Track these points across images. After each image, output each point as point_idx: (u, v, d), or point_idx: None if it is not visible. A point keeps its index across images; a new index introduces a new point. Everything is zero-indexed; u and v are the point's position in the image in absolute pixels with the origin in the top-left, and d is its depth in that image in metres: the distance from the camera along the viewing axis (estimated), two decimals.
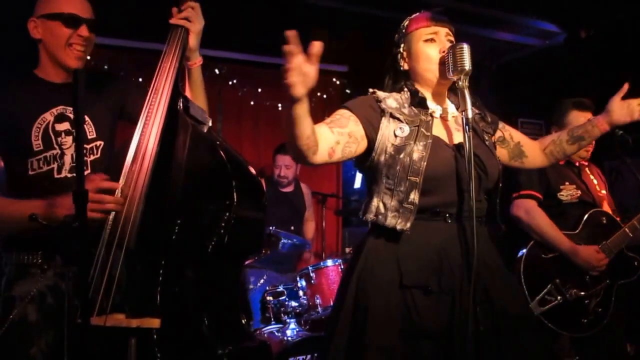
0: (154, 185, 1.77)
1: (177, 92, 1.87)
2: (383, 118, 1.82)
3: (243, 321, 1.90)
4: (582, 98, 3.06)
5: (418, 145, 1.77)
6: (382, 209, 1.79)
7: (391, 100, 1.86)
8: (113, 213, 1.76)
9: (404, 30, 1.93)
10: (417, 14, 1.93)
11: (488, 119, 1.99)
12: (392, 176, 1.79)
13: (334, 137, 1.75)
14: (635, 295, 3.02)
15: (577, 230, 2.86)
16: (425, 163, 1.75)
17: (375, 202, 1.81)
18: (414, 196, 1.75)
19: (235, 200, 1.70)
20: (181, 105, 1.85)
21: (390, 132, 1.80)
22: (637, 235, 2.84)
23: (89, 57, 4.59)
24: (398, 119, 1.82)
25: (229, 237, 1.71)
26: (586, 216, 2.88)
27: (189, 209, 1.74)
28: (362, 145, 1.82)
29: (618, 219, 2.95)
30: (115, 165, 1.87)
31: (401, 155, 1.78)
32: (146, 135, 1.81)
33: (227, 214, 1.70)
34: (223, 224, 1.70)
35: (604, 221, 2.91)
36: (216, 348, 1.66)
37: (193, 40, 1.98)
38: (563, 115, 3.05)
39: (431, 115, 1.86)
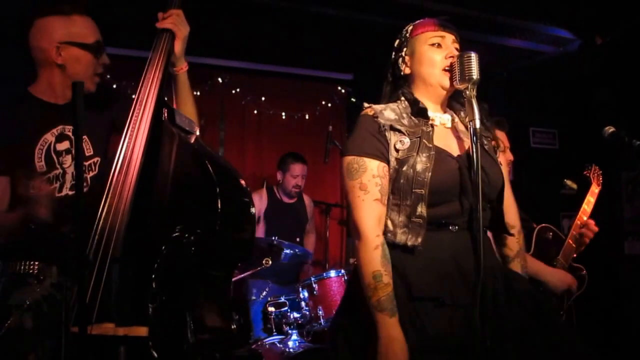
0: (141, 195, 1.80)
1: (161, 102, 1.91)
2: (386, 133, 1.81)
3: (233, 327, 1.92)
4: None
5: (421, 157, 1.77)
6: (390, 227, 1.79)
7: (388, 112, 1.85)
8: (101, 223, 1.79)
9: (407, 35, 1.93)
10: (422, 19, 1.93)
11: (486, 123, 1.95)
12: (397, 191, 1.79)
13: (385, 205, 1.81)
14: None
15: (532, 251, 2.86)
16: (429, 174, 1.75)
17: (397, 217, 1.80)
18: (422, 209, 1.74)
19: (220, 208, 1.73)
20: (166, 115, 1.89)
21: (392, 146, 1.81)
22: (579, 245, 2.87)
23: None
24: (399, 131, 1.81)
25: (216, 246, 1.76)
26: (535, 235, 2.89)
27: (177, 219, 1.78)
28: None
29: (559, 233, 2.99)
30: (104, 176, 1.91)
31: (404, 168, 1.77)
32: (131, 145, 1.85)
33: (213, 222, 1.74)
34: (210, 233, 1.74)
35: (550, 236, 2.92)
36: (205, 356, 1.70)
37: (178, 46, 2.00)
38: None
39: (431, 125, 1.86)
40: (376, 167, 1.79)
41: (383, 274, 1.71)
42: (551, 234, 2.94)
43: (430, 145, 1.80)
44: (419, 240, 1.74)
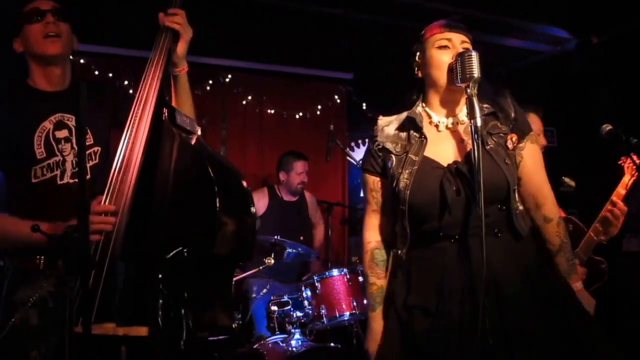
0: (142, 195, 1.80)
1: (162, 101, 1.91)
2: (380, 152, 1.93)
3: (234, 325, 1.93)
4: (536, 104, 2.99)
5: (404, 174, 1.83)
6: (398, 236, 1.89)
7: (390, 127, 1.94)
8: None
9: (420, 39, 1.94)
10: (434, 22, 1.92)
11: (512, 114, 1.87)
12: (393, 205, 1.90)
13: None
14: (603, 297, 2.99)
15: None
16: (408, 192, 1.80)
17: (396, 229, 1.91)
18: (405, 223, 1.84)
19: (219, 208, 1.75)
20: (166, 114, 1.88)
21: (387, 164, 1.91)
22: (601, 238, 2.80)
23: (93, 67, 4.68)
24: (388, 150, 1.90)
25: (216, 245, 1.77)
26: None
27: (177, 219, 1.78)
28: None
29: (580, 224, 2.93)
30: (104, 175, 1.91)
31: (393, 185, 1.86)
32: (131, 144, 1.84)
33: (213, 222, 1.75)
34: (210, 233, 1.75)
35: (570, 228, 2.84)
36: (206, 355, 1.72)
37: (182, 47, 2.00)
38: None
39: (424, 136, 1.86)
40: (372, 182, 1.97)
41: (369, 274, 1.95)
42: (571, 226, 2.87)
43: (416, 159, 1.83)
44: (404, 250, 1.85)
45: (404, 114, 1.94)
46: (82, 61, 4.54)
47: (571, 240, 2.80)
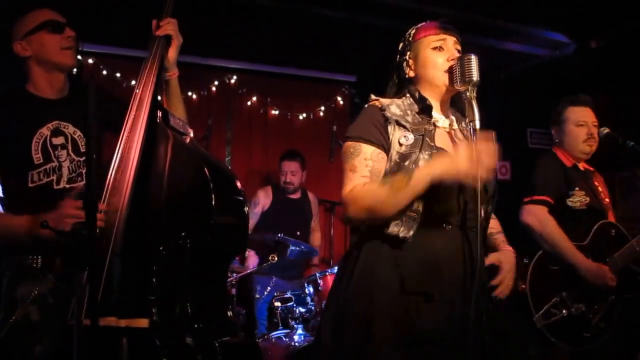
0: (139, 193, 1.84)
1: (156, 104, 1.96)
2: (389, 127, 1.80)
3: (229, 314, 1.98)
4: (579, 94, 3.00)
5: (424, 154, 1.75)
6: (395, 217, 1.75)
7: (394, 107, 1.83)
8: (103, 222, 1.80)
9: (410, 39, 1.92)
10: (424, 23, 1.93)
11: None
12: None
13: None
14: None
15: (586, 242, 2.80)
16: None
17: None
18: (418, 204, 1.73)
19: (214, 205, 1.77)
20: (160, 117, 1.93)
21: (396, 140, 1.79)
22: None
23: (101, 67, 4.68)
24: (403, 127, 1.80)
25: (211, 240, 1.81)
26: (595, 228, 2.82)
27: (173, 216, 1.82)
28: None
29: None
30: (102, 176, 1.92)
31: (406, 163, 1.76)
32: (128, 145, 1.88)
33: (208, 219, 1.78)
34: (204, 229, 1.79)
35: (613, 234, 2.85)
36: (204, 344, 1.73)
37: (173, 53, 2.06)
38: (560, 113, 3.00)
39: (434, 125, 1.84)
40: (370, 152, 1.79)
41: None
42: (614, 231, 2.87)
43: (432, 144, 1.79)
44: (411, 233, 1.73)
45: (399, 100, 1.87)
46: (90, 61, 4.54)
47: (608, 244, 2.83)
